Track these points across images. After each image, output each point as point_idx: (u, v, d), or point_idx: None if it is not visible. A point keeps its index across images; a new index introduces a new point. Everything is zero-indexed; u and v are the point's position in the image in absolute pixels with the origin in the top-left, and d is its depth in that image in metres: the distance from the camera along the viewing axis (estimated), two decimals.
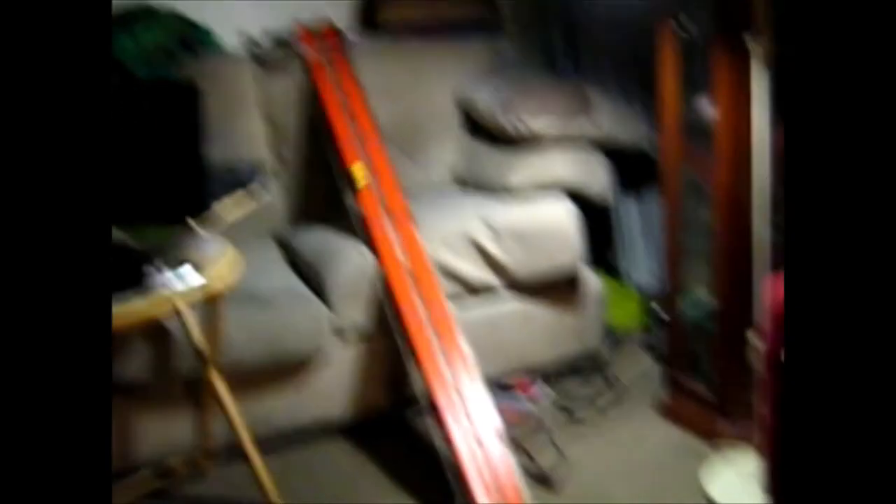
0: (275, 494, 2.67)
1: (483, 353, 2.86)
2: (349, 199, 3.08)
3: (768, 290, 2.30)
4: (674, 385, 3.08)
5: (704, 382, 2.95)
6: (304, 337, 2.86)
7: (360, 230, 3.01)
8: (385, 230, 2.98)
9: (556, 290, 3.24)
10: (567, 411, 3.13)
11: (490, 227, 3.10)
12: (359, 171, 2.80)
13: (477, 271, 3.09)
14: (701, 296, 2.96)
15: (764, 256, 2.62)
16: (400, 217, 3.02)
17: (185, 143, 2.23)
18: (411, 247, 2.96)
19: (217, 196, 2.37)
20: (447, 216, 3.18)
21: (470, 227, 3.09)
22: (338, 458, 2.95)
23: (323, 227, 3.19)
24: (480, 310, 3.13)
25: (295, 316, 2.86)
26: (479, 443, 2.63)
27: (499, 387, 3.03)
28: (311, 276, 3.00)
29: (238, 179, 2.52)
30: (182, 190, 2.26)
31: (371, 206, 3.03)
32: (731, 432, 2.82)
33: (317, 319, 2.88)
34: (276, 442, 2.87)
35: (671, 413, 3.04)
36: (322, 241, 3.11)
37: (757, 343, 2.43)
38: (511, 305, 3.20)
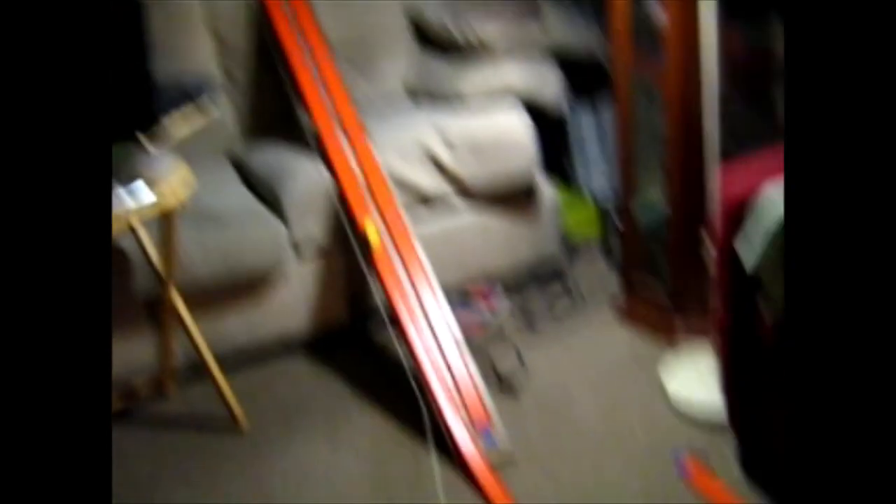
0: (239, 412, 2.69)
1: (442, 266, 2.87)
2: (301, 114, 3.06)
3: (718, 185, 2.33)
4: (631, 289, 3.12)
5: (661, 284, 2.99)
6: (261, 253, 2.86)
7: (313, 145, 2.99)
8: (339, 144, 2.97)
9: (513, 200, 3.25)
10: (527, 320, 3.16)
11: (444, 137, 3.09)
12: (371, 229, 2.74)
13: (432, 182, 3.09)
14: (654, 198, 2.98)
15: (714, 157, 2.63)
16: (353, 130, 3.01)
17: (130, 57, 2.19)
18: (366, 159, 2.95)
19: (166, 110, 2.34)
20: (401, 128, 3.16)
21: (424, 138, 3.09)
22: (301, 373, 2.97)
23: (276, 144, 3.16)
24: (438, 223, 3.13)
25: (251, 232, 2.85)
26: (441, 352, 2.66)
27: (459, 298, 3.06)
28: (265, 193, 2.98)
29: (186, 92, 2.48)
30: (130, 105, 2.22)
31: (324, 120, 3.01)
32: (688, 330, 2.87)
33: (273, 235, 2.87)
34: (238, 360, 2.88)
35: (629, 316, 3.09)
36: (276, 158, 3.08)
37: (708, 241, 2.46)
38: (468, 218, 3.21)
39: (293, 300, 2.97)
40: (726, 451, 2.43)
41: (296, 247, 2.92)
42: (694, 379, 2.69)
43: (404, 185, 3.02)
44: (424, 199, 3.09)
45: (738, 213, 2.14)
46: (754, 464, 2.38)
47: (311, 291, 2.99)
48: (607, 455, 2.51)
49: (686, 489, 2.35)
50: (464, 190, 3.15)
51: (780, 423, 2.25)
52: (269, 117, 3.35)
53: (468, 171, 3.11)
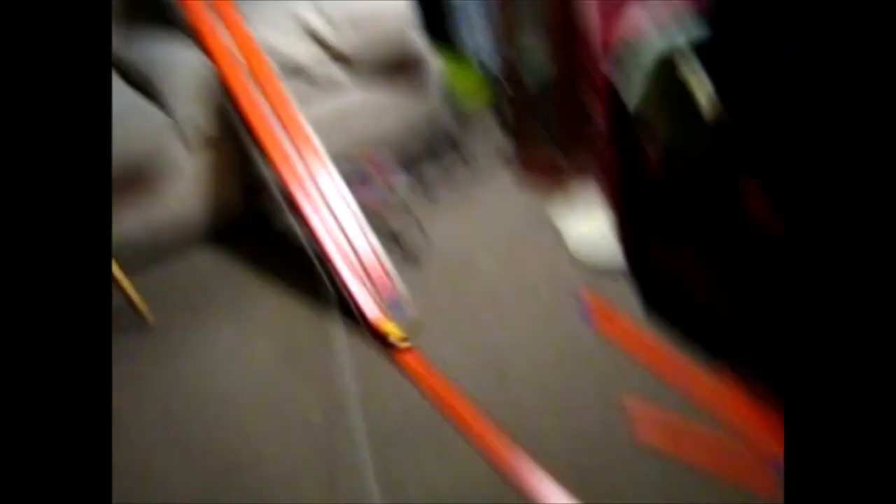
0: (145, 308, 2.67)
1: (336, 145, 2.86)
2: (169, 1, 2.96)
3: (594, 27, 2.34)
4: (523, 147, 3.15)
5: (550, 138, 3.01)
6: (144, 143, 2.77)
7: (185, 30, 2.90)
8: (213, 25, 2.88)
9: (399, 72, 3.22)
10: (426, 191, 3.17)
11: (318, 7, 3.03)
12: (391, 329, 2.58)
13: (311, 54, 3.03)
14: (538, 55, 2.98)
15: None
16: (224, 9, 2.92)
17: None
18: (241, 38, 2.87)
19: None
20: (273, 3, 3.08)
21: (298, 11, 3.02)
22: (204, 264, 2.94)
23: (146, 34, 3.05)
24: (328, 103, 3.09)
25: (132, 123, 2.76)
26: (342, 230, 2.66)
27: (356, 176, 3.04)
28: (142, 84, 2.89)
29: None
30: None
31: (194, 3, 2.91)
32: (579, 178, 2.91)
33: (155, 124, 2.80)
34: (138, 257, 2.83)
35: (524, 174, 3.12)
36: (148, 47, 2.98)
37: (591, 87, 2.48)
38: (358, 95, 3.17)
39: (188, 192, 2.92)
40: (627, 292, 2.50)
41: (181, 134, 2.86)
42: (588, 226, 2.75)
43: (283, 60, 2.95)
44: (301, 72, 3.02)
45: (615, 51, 2.16)
46: (653, 302, 2.46)
47: (205, 182, 2.95)
48: (515, 312, 2.57)
49: (592, 332, 2.42)
50: (343, 60, 3.09)
51: (674, 260, 2.34)
52: (136, 8, 3.22)
53: (346, 40, 3.05)
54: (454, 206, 3.08)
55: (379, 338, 2.48)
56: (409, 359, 2.41)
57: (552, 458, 2.08)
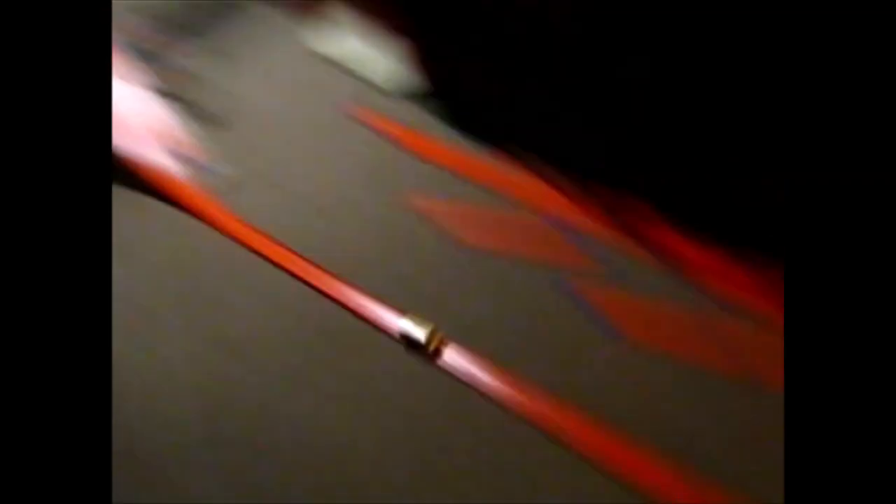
0: None
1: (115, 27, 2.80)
2: None
3: None
4: None
5: None
6: None
7: None
8: None
9: None
10: (215, 52, 3.12)
11: None
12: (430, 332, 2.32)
13: None
14: None
15: None
16: None
17: None
18: None
19: None
20: None
21: None
22: None
23: None
24: None
25: None
26: (138, 105, 2.65)
27: (142, 53, 2.98)
28: None
29: None
30: None
31: None
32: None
33: None
34: None
35: (307, 16, 3.11)
36: None
37: None
38: None
39: None
40: (417, 108, 2.60)
41: None
42: (336, 34, 2.81)
43: None
44: None
45: None
46: (455, 115, 2.55)
47: None
48: (321, 150, 2.63)
49: (391, 151, 2.52)
50: None
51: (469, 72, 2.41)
52: None
53: None
54: (250, 62, 3.05)
55: (195, 209, 2.52)
56: (223, 217, 2.46)
57: (375, 273, 2.22)
